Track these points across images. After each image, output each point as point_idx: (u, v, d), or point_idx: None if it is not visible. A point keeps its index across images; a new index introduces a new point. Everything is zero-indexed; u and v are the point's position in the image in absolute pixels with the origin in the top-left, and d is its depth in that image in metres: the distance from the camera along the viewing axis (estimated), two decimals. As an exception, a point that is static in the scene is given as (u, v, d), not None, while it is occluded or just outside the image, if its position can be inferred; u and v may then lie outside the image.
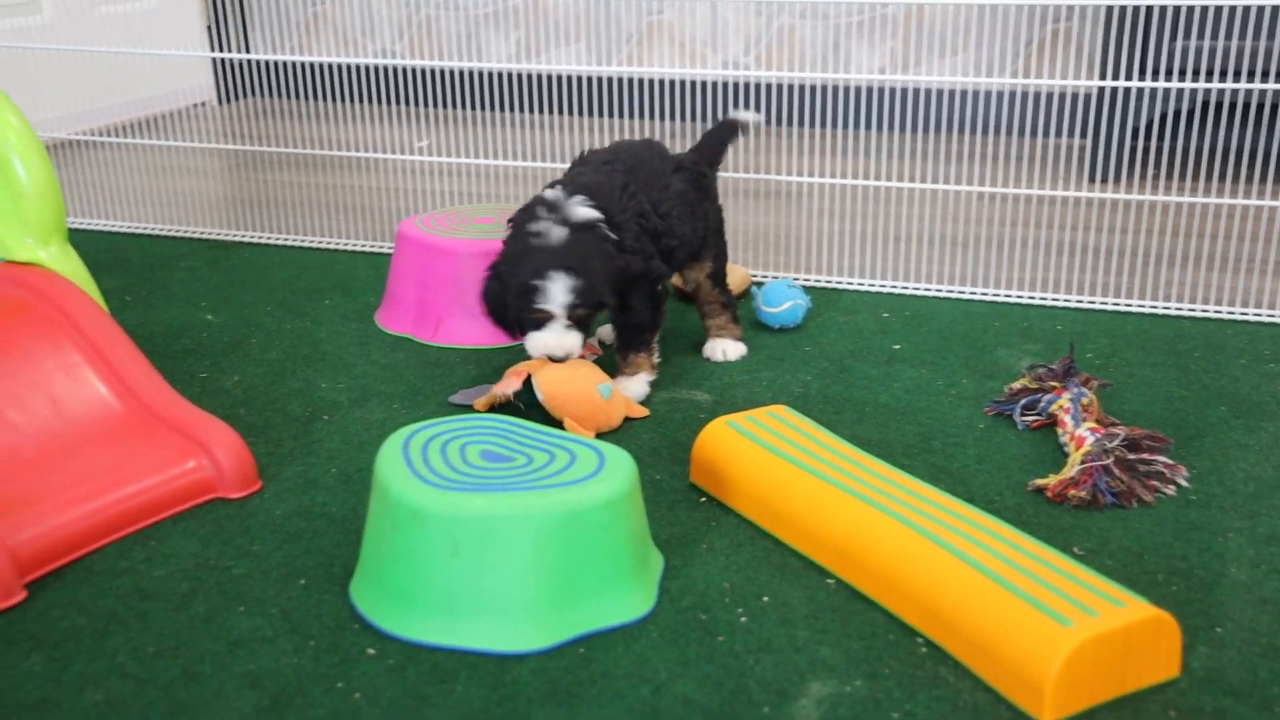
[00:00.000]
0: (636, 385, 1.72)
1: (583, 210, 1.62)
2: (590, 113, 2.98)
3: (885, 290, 2.21)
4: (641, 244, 1.66)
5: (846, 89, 2.90)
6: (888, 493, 1.32)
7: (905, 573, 1.20)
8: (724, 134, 1.97)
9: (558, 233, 1.59)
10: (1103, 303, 2.12)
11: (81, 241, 1.65)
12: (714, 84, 3.39)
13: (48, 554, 1.28)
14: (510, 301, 1.61)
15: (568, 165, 1.87)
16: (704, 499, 1.46)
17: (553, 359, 1.62)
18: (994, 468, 1.52)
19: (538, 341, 1.61)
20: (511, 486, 1.19)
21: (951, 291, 2.19)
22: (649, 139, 1.88)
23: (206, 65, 3.80)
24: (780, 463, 1.40)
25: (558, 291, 1.57)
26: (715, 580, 1.28)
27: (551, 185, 1.71)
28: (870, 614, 1.22)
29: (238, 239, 2.56)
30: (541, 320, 1.60)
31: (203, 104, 3.78)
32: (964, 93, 3.31)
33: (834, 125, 2.65)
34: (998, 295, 2.17)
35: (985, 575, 1.14)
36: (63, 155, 3.09)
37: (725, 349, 1.90)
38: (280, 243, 2.53)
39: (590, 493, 1.18)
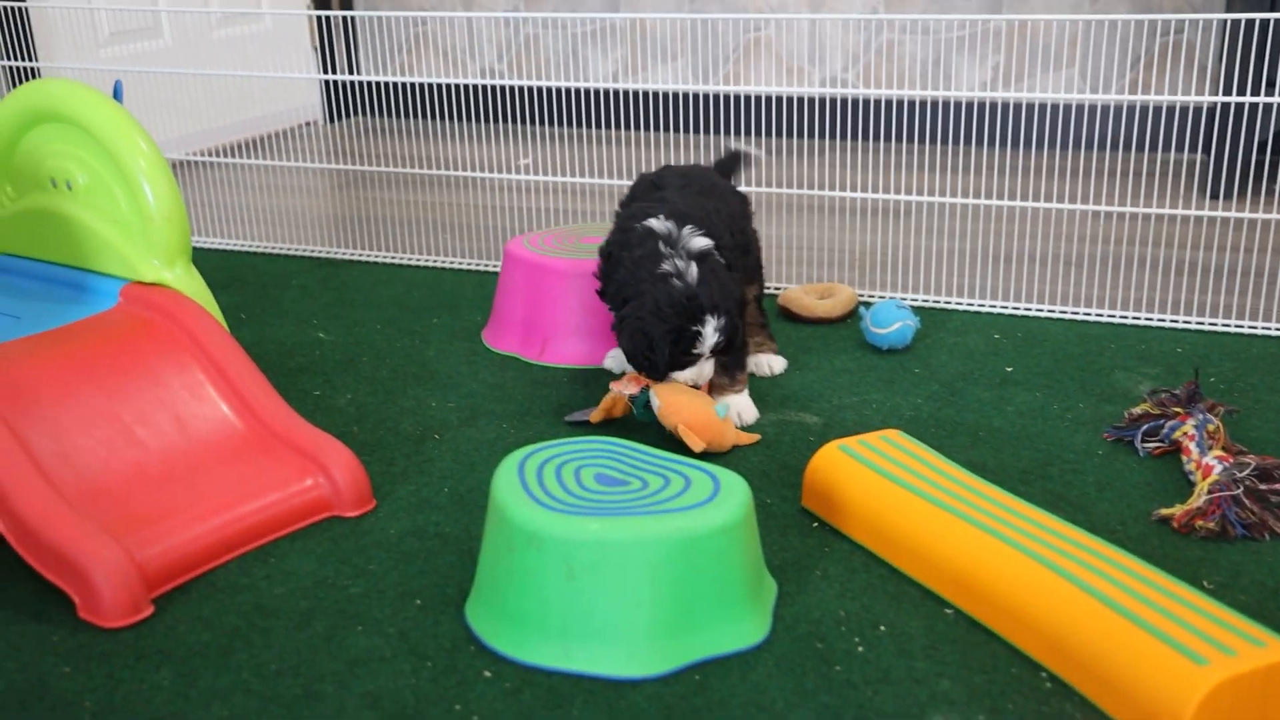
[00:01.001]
0: (749, 402, 1.72)
1: (699, 241, 1.62)
2: (691, 129, 2.98)
3: (996, 311, 2.17)
4: (738, 266, 1.69)
5: (950, 105, 2.86)
6: (1007, 520, 1.29)
7: (1028, 604, 1.17)
8: (730, 165, 2.00)
9: (693, 272, 1.58)
10: (1225, 324, 2.05)
11: (198, 260, 1.69)
12: (815, 100, 3.37)
13: (174, 569, 1.32)
14: (661, 348, 1.59)
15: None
16: (816, 524, 1.44)
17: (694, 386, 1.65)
18: (1115, 496, 1.48)
19: (684, 376, 1.63)
20: (627, 511, 1.18)
21: (1065, 312, 2.15)
22: (696, 164, 1.91)
23: (315, 86, 3.89)
24: (895, 488, 1.38)
25: (710, 335, 1.58)
26: (830, 608, 1.26)
27: (627, 205, 1.72)
28: (991, 646, 1.19)
29: (346, 257, 2.61)
30: (693, 361, 1.62)
31: (311, 123, 3.87)
32: (1073, 107, 3.24)
33: (939, 141, 2.61)
34: (1113, 316, 2.12)
35: (1113, 609, 1.11)
36: (179, 175, 3.18)
37: (771, 364, 1.91)
38: (387, 261, 2.58)
39: (706, 518, 1.18)
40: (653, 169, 1.95)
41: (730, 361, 1.71)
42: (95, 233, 1.64)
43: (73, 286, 1.68)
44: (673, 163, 2.37)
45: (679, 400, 1.61)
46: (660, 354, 1.59)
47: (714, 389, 1.72)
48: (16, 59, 2.80)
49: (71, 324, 1.57)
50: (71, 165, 1.66)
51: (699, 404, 1.61)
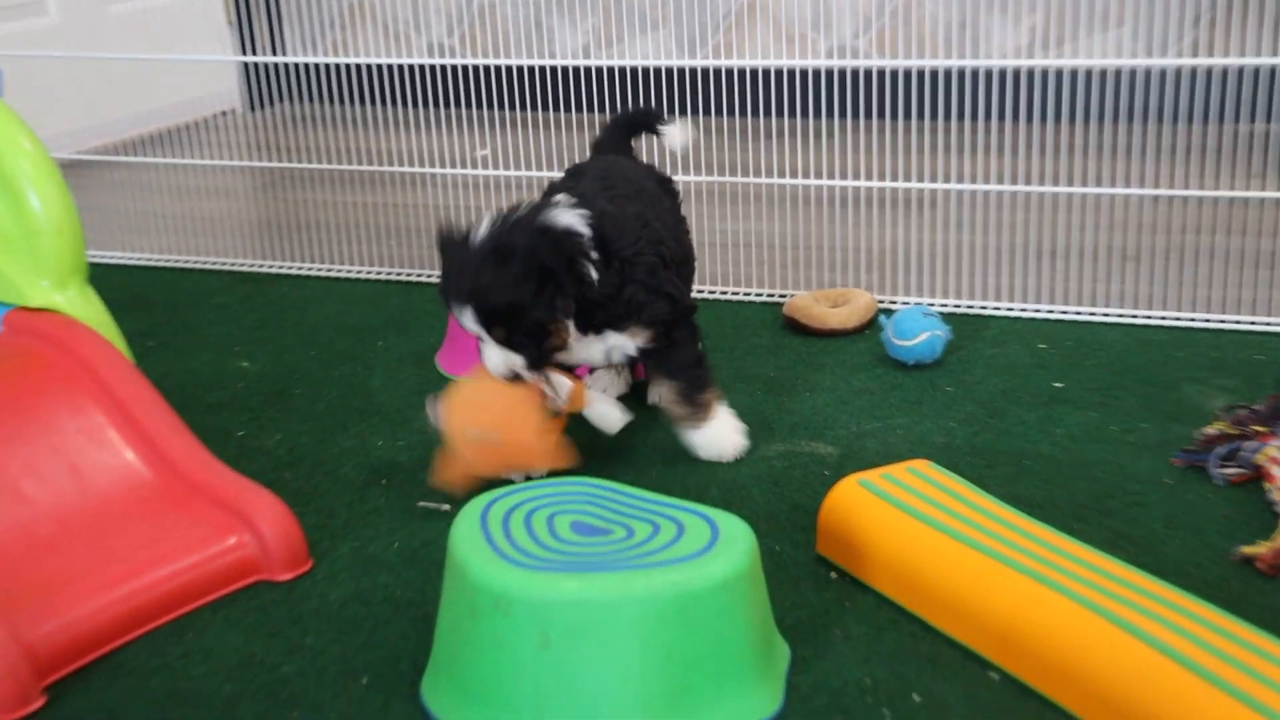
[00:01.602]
0: (726, 434, 1.71)
1: (562, 217, 1.59)
2: (677, 111, 2.98)
3: (1040, 316, 2.18)
4: (659, 280, 1.65)
5: (981, 74, 2.87)
6: (1060, 566, 1.29)
7: (1088, 665, 1.17)
8: (632, 126, 1.99)
9: (479, 239, 1.56)
10: (1310, 326, 2.07)
11: (95, 278, 1.68)
12: (821, 73, 3.38)
13: (71, 651, 1.30)
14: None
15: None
16: (834, 574, 1.44)
17: (508, 379, 1.60)
18: (1188, 533, 1.48)
19: (485, 359, 1.61)
20: (610, 565, 1.18)
21: (1123, 315, 2.15)
22: (614, 156, 1.90)
23: (232, 69, 3.89)
24: (926, 530, 1.37)
25: (468, 318, 1.56)
26: (854, 674, 1.26)
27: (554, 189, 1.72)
28: (1047, 715, 1.19)
29: (274, 270, 2.60)
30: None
31: (228, 113, 3.86)
32: (1126, 73, 3.26)
33: (968, 118, 2.62)
34: (1180, 319, 2.13)
35: (1189, 669, 1.11)
36: (70, 177, 3.17)
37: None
38: (323, 274, 2.57)
39: (704, 571, 1.17)
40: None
41: (686, 383, 1.69)
42: (-28, 250, 1.63)
43: (-54, 314, 1.67)
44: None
45: (464, 389, 1.61)
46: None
47: (675, 420, 1.69)
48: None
49: (-55, 359, 1.56)
50: (-58, 170, 1.65)
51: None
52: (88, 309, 1.63)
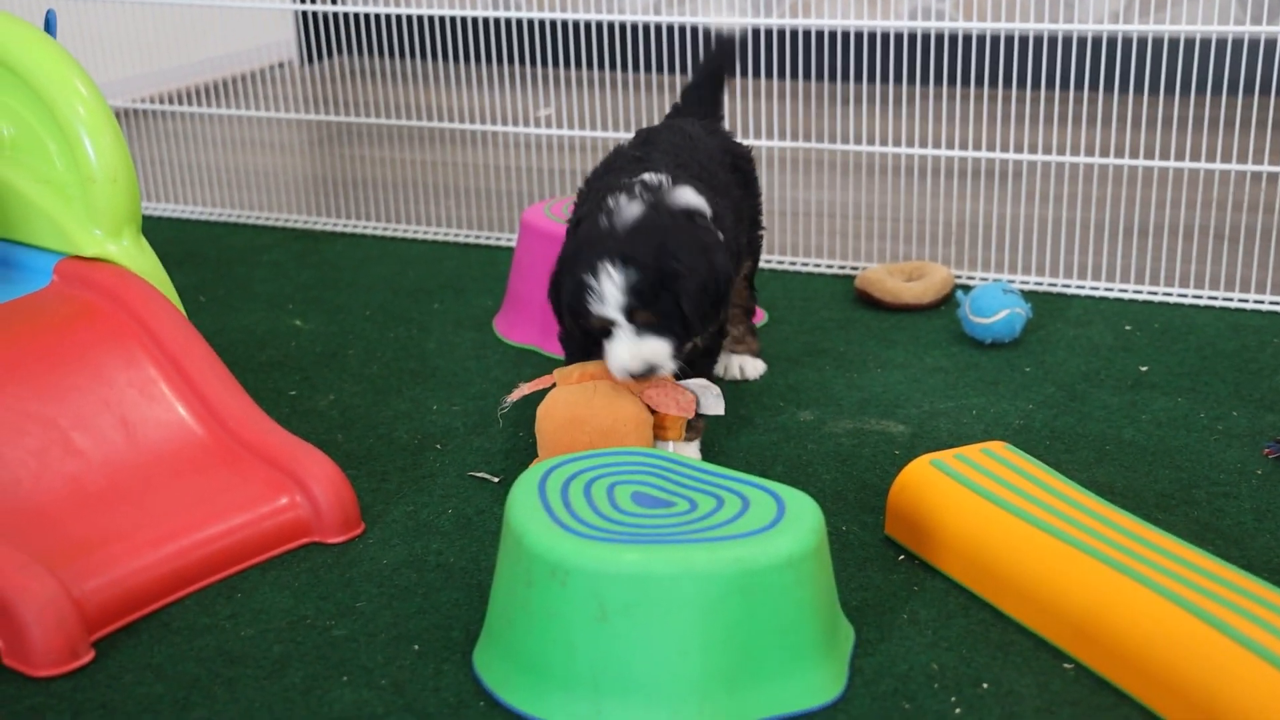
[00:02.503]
0: (693, 451, 1.65)
1: (688, 196, 1.56)
2: (748, 73, 2.98)
3: (1127, 296, 2.16)
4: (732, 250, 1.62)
5: (1073, 40, 2.84)
6: (1142, 556, 1.28)
7: (1169, 659, 1.17)
8: (716, 70, 1.94)
9: (629, 211, 1.51)
10: None
11: (148, 230, 1.71)
12: (903, 36, 3.36)
13: (119, 607, 1.33)
14: (558, 307, 1.56)
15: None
16: (903, 557, 1.44)
17: (636, 378, 1.52)
18: (1278, 526, 1.47)
19: (611, 356, 1.51)
20: (672, 538, 1.19)
21: (1215, 299, 2.13)
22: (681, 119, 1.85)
23: (289, 19, 3.92)
24: (1001, 514, 1.37)
25: (610, 291, 1.48)
26: (920, 660, 1.26)
27: (628, 160, 1.67)
28: (1123, 709, 1.19)
29: (328, 228, 2.63)
30: (600, 332, 1.52)
31: (284, 64, 3.90)
32: (1228, 42, 3.22)
33: (1057, 86, 2.59)
34: (1277, 303, 2.10)
35: (1278, 666, 1.11)
36: (123, 126, 3.22)
37: (743, 366, 1.89)
38: (378, 233, 2.60)
39: (769, 548, 1.18)
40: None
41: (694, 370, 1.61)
42: (24, 197, 1.67)
43: (-2, 262, 1.71)
44: (743, 112, 2.38)
45: (546, 425, 1.54)
46: (559, 315, 1.56)
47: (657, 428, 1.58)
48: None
49: (-4, 307, 1.60)
50: (-4, 114, 1.69)
51: (572, 435, 1.52)
52: (141, 260, 1.65)
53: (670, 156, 1.67)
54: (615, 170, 1.66)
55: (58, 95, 1.61)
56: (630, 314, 1.48)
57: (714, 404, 1.55)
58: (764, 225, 1.91)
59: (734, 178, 1.77)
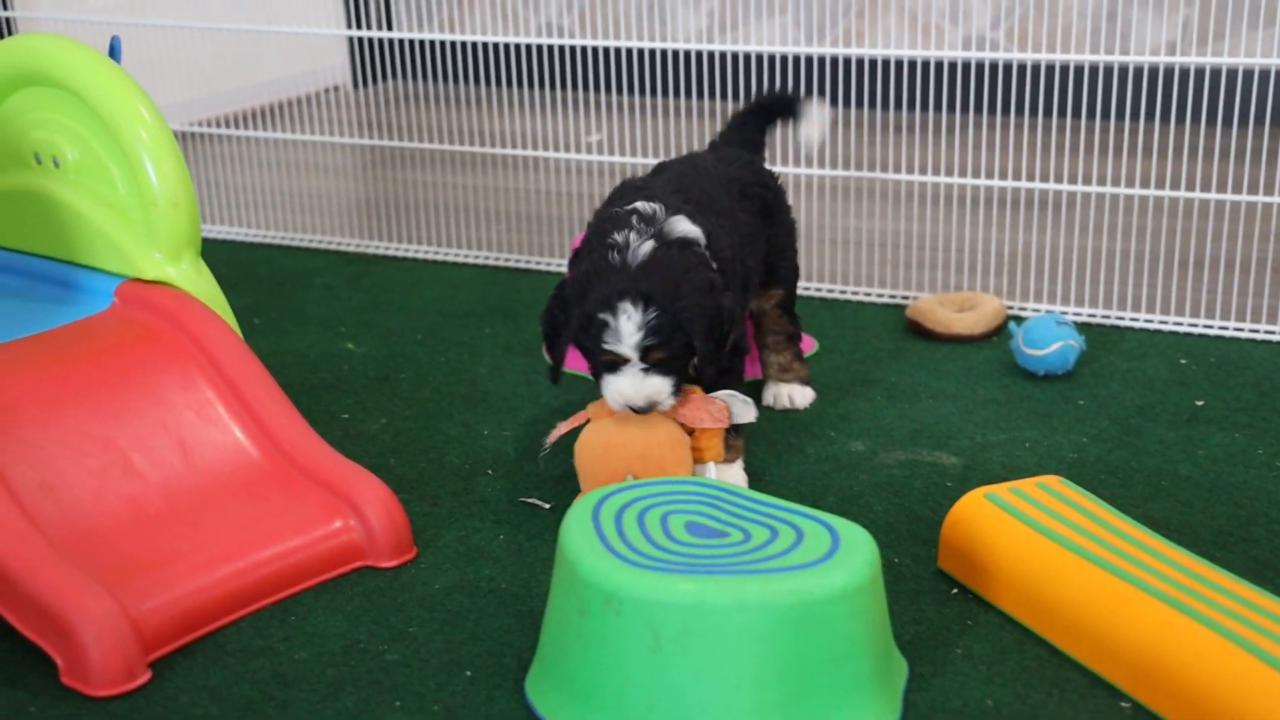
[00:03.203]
0: (738, 472, 1.67)
1: (684, 225, 1.59)
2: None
3: (1182, 329, 2.15)
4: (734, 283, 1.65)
5: (1128, 71, 2.83)
6: (1199, 593, 1.27)
7: (1228, 699, 1.16)
8: (768, 113, 1.95)
9: (642, 250, 1.54)
10: None
11: (202, 253, 1.73)
12: (955, 65, 3.36)
13: (177, 628, 1.35)
14: (556, 337, 1.58)
15: (783, 166, 1.88)
16: (956, 591, 1.44)
17: (633, 410, 1.55)
18: (1338, 565, 1.46)
19: (613, 387, 1.55)
20: (726, 569, 1.19)
21: (1272, 333, 2.12)
22: (700, 152, 1.87)
23: (341, 44, 3.96)
24: (1056, 549, 1.37)
25: (627, 330, 1.51)
26: (975, 695, 1.26)
27: (631, 190, 1.70)
28: (1179, 750, 1.18)
29: (380, 251, 2.65)
30: (611, 365, 1.55)
31: (336, 88, 3.93)
32: (1281, 75, 3.20)
33: (1111, 117, 2.59)
34: (1333, 338, 2.09)
35: (1337, 708, 1.10)
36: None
37: (792, 395, 1.90)
38: (429, 256, 2.62)
39: (824, 580, 1.18)
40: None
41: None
42: (86, 219, 1.69)
43: (59, 284, 1.73)
44: (776, 140, 2.38)
45: (587, 460, 1.56)
46: (555, 344, 1.57)
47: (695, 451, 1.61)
48: (-9, 9, 2.89)
49: (57, 329, 1.62)
50: (60, 138, 1.71)
51: (612, 467, 1.54)
52: (200, 283, 1.67)
53: (671, 185, 1.70)
54: (616, 200, 1.70)
55: (121, 120, 1.63)
56: (645, 353, 1.52)
57: (745, 411, 1.58)
58: (796, 251, 1.91)
59: (745, 205, 1.79)
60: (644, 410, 1.55)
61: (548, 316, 1.60)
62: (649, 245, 1.55)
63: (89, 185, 1.70)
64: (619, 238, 1.56)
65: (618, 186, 1.77)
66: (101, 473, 1.45)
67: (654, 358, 1.53)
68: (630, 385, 1.54)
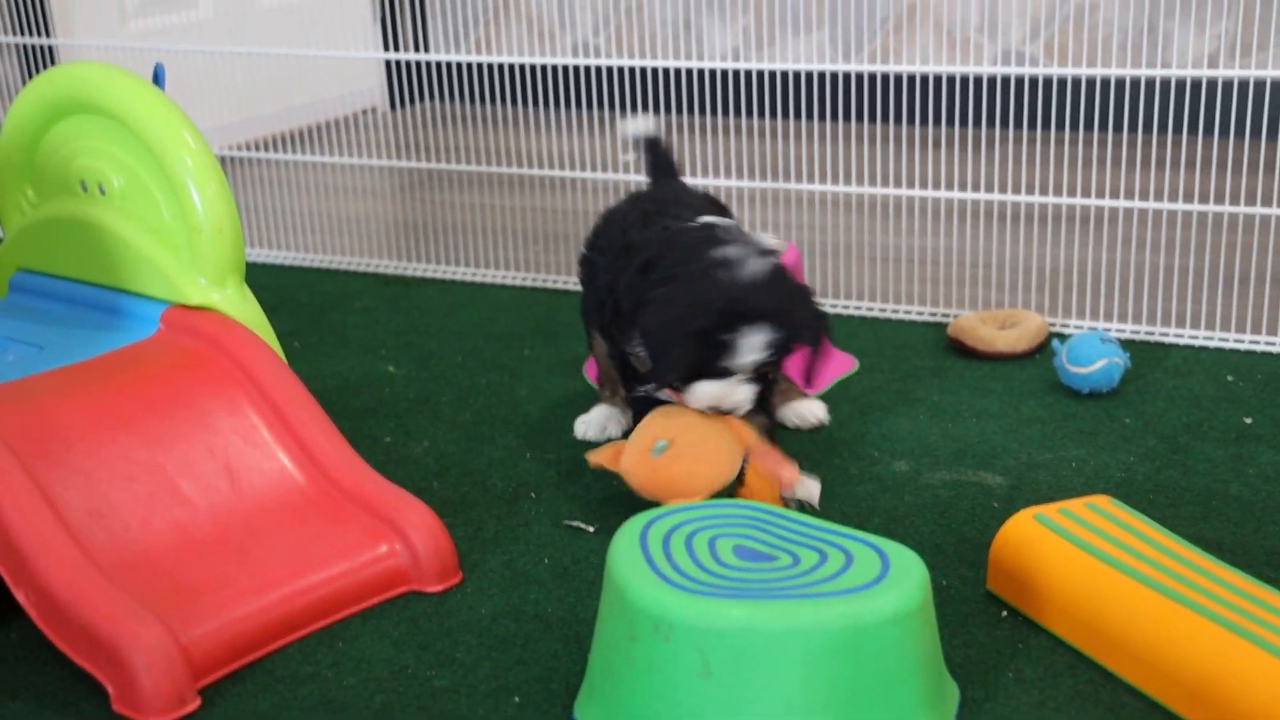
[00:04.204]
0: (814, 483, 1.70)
1: (767, 239, 1.63)
2: (829, 117, 2.99)
3: (1229, 345, 2.13)
4: None
5: (1169, 85, 2.82)
6: (1255, 615, 1.26)
7: (1287, 723, 1.15)
8: (662, 167, 2.00)
9: (753, 266, 1.55)
10: None
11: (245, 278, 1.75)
12: (989, 80, 3.36)
13: (226, 654, 1.35)
14: (675, 351, 1.55)
15: (799, 180, 1.88)
16: (1006, 613, 1.43)
17: (718, 410, 1.58)
18: (1394, 585, 1.45)
19: (703, 393, 1.57)
20: (777, 593, 1.19)
21: (1322, 348, 2.10)
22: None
23: (376, 66, 3.98)
24: (1108, 570, 1.36)
25: (750, 346, 1.52)
26: (1028, 720, 1.25)
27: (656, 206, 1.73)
28: (1238, 775, 1.17)
29: (417, 273, 2.66)
30: (719, 373, 1.56)
31: (372, 110, 3.96)
32: (1323, 87, 3.18)
33: (1151, 129, 2.58)
34: (1384, 354, 2.07)
35: (1400, 733, 1.08)
36: (217, 174, 3.28)
37: (812, 409, 1.90)
38: (468, 278, 2.62)
39: (875, 604, 1.18)
40: (785, 165, 1.95)
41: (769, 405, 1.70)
42: (132, 246, 1.70)
43: (105, 310, 1.74)
44: (829, 157, 2.37)
45: (637, 453, 1.57)
46: (672, 357, 1.55)
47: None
48: (29, 34, 2.92)
49: (104, 355, 1.63)
50: (105, 165, 1.73)
51: (711, 443, 1.56)
52: (244, 308, 1.68)
53: (694, 201, 1.76)
54: (650, 217, 1.71)
55: (166, 146, 1.64)
56: (759, 368, 1.56)
57: (812, 488, 1.66)
58: None
59: None
60: (723, 412, 1.59)
61: (653, 335, 1.58)
62: (758, 261, 1.55)
63: (134, 211, 1.72)
64: (718, 254, 1.56)
65: (615, 212, 1.81)
66: (150, 499, 1.46)
67: (762, 371, 1.57)
68: (726, 391, 1.57)
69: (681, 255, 1.59)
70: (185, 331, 1.65)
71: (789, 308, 1.55)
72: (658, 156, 2.00)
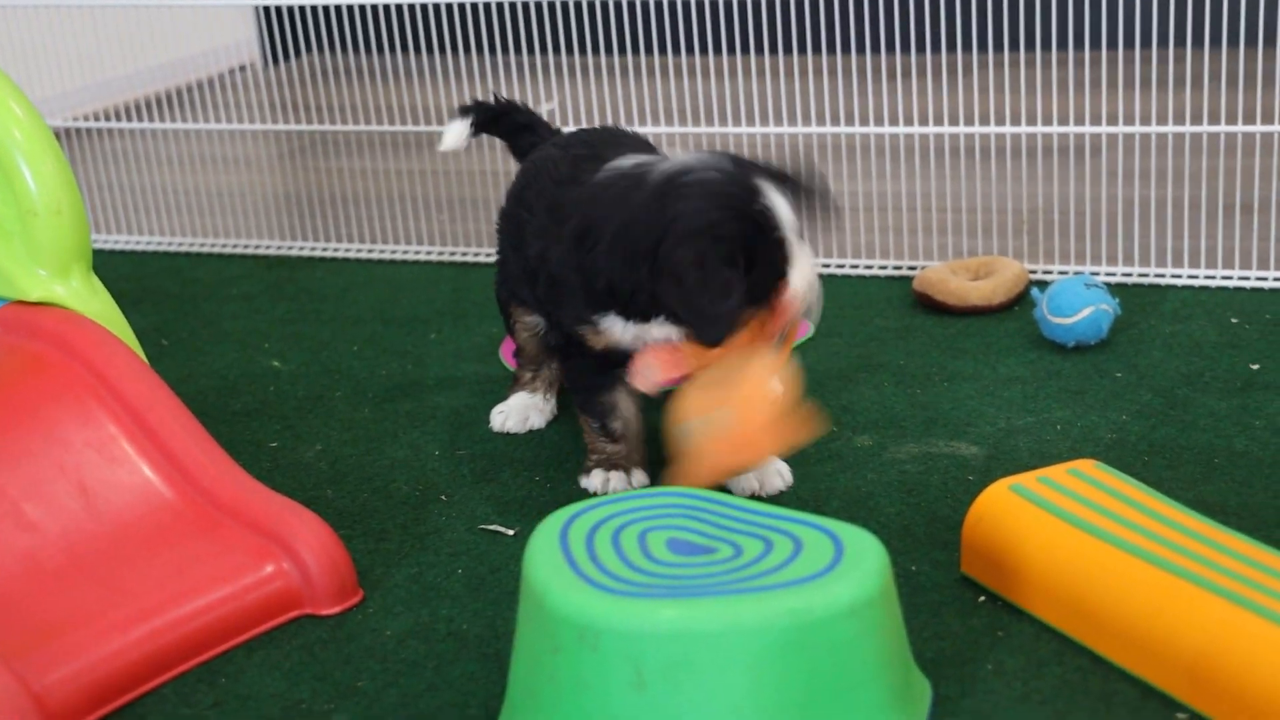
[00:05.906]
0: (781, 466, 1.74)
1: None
2: (772, 50, 2.99)
3: (1232, 284, 2.17)
4: None
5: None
6: (1263, 585, 1.28)
7: (1296, 702, 1.17)
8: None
9: (701, 159, 1.58)
10: None
11: (97, 266, 1.73)
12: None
13: (88, 700, 1.35)
14: (718, 259, 1.51)
15: (734, 124, 1.88)
16: (983, 598, 1.45)
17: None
18: None
19: (800, 276, 1.61)
20: (716, 590, 1.20)
21: (1334, 283, 2.14)
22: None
23: (249, 16, 3.96)
24: (1095, 543, 1.38)
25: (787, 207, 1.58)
26: (1010, 717, 1.27)
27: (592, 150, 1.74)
28: (1245, 763, 1.19)
29: (305, 253, 2.66)
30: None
31: (245, 68, 3.93)
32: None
33: (1136, 45, 2.58)
34: (1405, 285, 2.11)
35: None
36: (63, 148, 3.25)
37: (778, 473, 1.89)
38: (363, 255, 2.62)
39: (827, 594, 1.19)
40: (736, 109, 1.96)
41: None
42: (-42, 236, 1.69)
43: (-70, 312, 1.73)
44: (767, 96, 2.38)
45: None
46: (718, 273, 1.51)
47: None
48: None
49: (-68, 364, 1.62)
50: (-79, 143, 1.72)
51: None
52: (94, 302, 1.68)
53: (630, 142, 1.78)
54: (587, 163, 1.71)
55: (-10, 118, 1.63)
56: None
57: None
58: None
59: None
60: None
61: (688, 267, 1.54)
62: (699, 157, 1.59)
63: (-44, 197, 1.70)
64: (668, 168, 1.58)
65: (563, 151, 1.78)
66: (-9, 527, 1.46)
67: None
68: (811, 267, 1.62)
69: (644, 199, 1.57)
70: (24, 332, 1.64)
71: (779, 171, 1.61)
72: (518, 123, 2.03)
